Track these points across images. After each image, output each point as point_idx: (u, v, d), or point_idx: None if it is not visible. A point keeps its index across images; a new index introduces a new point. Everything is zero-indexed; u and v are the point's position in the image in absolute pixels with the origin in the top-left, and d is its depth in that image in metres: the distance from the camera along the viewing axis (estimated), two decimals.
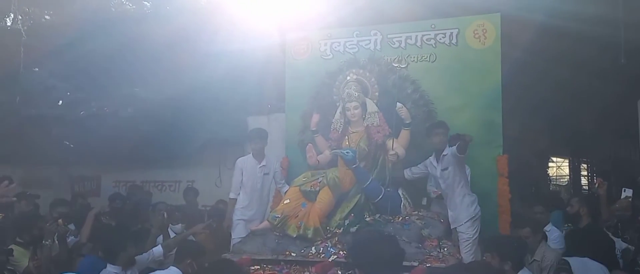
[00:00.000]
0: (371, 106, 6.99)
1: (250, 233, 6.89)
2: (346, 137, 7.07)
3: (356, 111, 7.00)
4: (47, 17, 12.82)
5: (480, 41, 7.55)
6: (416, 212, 6.77)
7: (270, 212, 6.88)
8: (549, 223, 6.47)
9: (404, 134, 6.94)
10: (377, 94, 7.12)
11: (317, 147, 7.21)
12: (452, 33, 7.67)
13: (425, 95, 7.30)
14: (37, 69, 10.91)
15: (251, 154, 7.43)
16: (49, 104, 10.37)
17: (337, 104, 7.15)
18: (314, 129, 7.26)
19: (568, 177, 14.57)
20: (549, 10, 7.19)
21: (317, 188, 6.75)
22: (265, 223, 6.78)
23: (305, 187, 6.84)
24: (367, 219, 6.55)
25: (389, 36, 7.86)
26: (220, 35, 9.10)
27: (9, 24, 11.69)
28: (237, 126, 9.49)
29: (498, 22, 7.48)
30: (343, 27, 8.15)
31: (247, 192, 7.39)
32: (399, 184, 6.91)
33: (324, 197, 6.68)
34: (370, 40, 7.99)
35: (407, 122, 6.89)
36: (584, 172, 13.45)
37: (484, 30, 7.53)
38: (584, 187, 12.73)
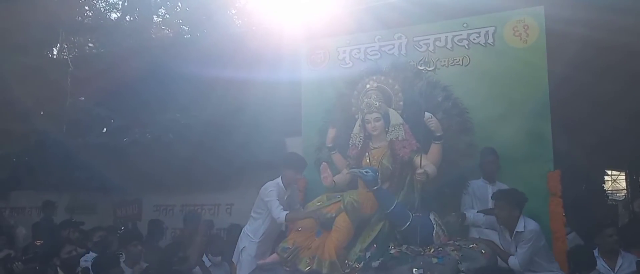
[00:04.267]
0: (395, 117, 5.60)
1: (257, 267, 5.60)
2: (367, 154, 5.67)
3: (377, 124, 5.60)
4: (90, 44, 12.88)
5: (521, 39, 6.04)
6: (452, 241, 5.26)
7: (281, 243, 5.54)
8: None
9: (435, 148, 5.46)
10: (401, 103, 5.70)
11: (334, 166, 5.87)
12: (487, 31, 6.18)
13: (458, 103, 5.80)
14: (82, 98, 10.82)
15: (280, 179, 5.93)
16: (93, 132, 10.18)
17: (356, 116, 5.79)
18: (330, 145, 5.97)
19: (625, 191, 12.35)
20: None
21: (333, 214, 5.31)
22: (274, 256, 5.47)
23: (320, 213, 5.41)
24: (392, 251, 5.09)
25: (415, 39, 6.50)
26: (255, 56, 8.27)
27: (55, 53, 11.66)
28: (275, 148, 8.52)
29: (542, 17, 5.98)
30: (363, 32, 6.79)
31: (266, 223, 5.94)
32: (431, 208, 5.43)
33: (341, 225, 5.23)
34: (393, 44, 6.62)
35: (438, 134, 5.44)
36: None
37: (526, 27, 6.01)
38: None
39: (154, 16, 13.57)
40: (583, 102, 6.74)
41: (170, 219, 9.59)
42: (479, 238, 5.38)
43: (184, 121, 9.19)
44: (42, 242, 7.40)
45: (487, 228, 5.41)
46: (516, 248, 5.05)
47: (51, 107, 10.35)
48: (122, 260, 5.99)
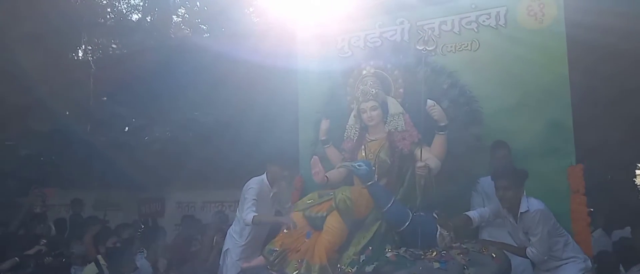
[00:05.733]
0: (394, 106, 4.81)
1: (241, 271, 4.94)
2: (363, 147, 4.89)
3: (374, 113, 4.83)
4: (113, 46, 12.79)
5: (536, 19, 5.14)
6: (458, 243, 4.38)
7: (268, 244, 4.74)
8: None
9: (439, 140, 4.63)
10: (402, 90, 4.91)
11: (328, 161, 5.09)
12: (498, 12, 5.30)
13: (466, 91, 4.96)
14: (105, 98, 10.74)
15: (265, 175, 5.28)
16: (116, 130, 10.19)
17: (352, 106, 5.00)
18: (323, 138, 5.22)
19: None
20: None
21: (325, 213, 4.51)
22: (260, 259, 4.70)
23: (310, 212, 4.66)
24: (388, 254, 4.25)
25: (418, 23, 5.65)
26: (271, 52, 7.53)
27: (80, 55, 11.62)
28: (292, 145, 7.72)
29: None
30: (363, 18, 5.97)
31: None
32: (434, 206, 4.57)
33: (333, 225, 4.43)
34: (395, 30, 5.78)
35: (442, 124, 4.60)
36: None
37: (541, 5, 5.11)
38: None
39: (174, 16, 13.17)
40: (608, 88, 5.73)
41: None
42: (490, 240, 4.42)
43: (203, 119, 9.06)
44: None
45: (496, 218, 4.45)
46: (525, 233, 4.18)
47: (75, 108, 10.22)
48: (144, 256, 5.90)
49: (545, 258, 4.13)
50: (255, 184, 5.04)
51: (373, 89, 4.77)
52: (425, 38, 4.99)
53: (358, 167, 4.42)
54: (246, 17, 11.75)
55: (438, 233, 4.39)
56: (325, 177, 4.72)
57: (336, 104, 5.23)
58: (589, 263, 4.22)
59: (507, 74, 5.19)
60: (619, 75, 5.69)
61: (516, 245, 4.34)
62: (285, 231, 4.64)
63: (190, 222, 8.47)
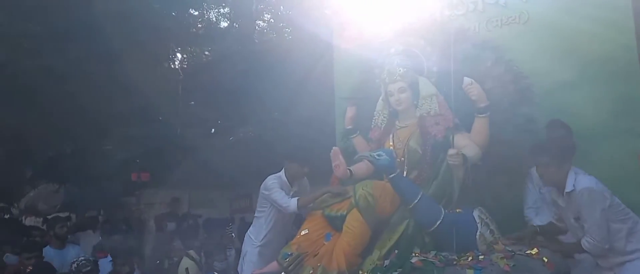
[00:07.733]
0: (426, 87, 3.83)
1: None
2: (391, 135, 3.94)
3: (402, 96, 3.86)
4: (206, 53, 12.46)
5: None
6: (502, 246, 3.33)
7: (283, 247, 3.84)
8: None
9: (479, 124, 3.60)
10: (435, 69, 3.93)
11: (356, 152, 4.08)
12: None
13: (513, 67, 3.88)
14: (193, 103, 10.68)
15: (283, 172, 4.32)
16: (203, 133, 9.94)
17: (380, 89, 4.05)
18: (349, 127, 4.32)
19: None
20: None
21: (345, 212, 3.58)
22: (273, 265, 3.78)
23: (329, 211, 3.75)
24: (414, 259, 3.27)
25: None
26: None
27: (177, 64, 11.59)
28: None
29: None
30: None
31: (269, 223, 4.25)
32: (474, 202, 3.58)
33: (353, 226, 3.51)
34: (433, 9, 4.70)
35: (482, 105, 3.58)
36: None
37: None
38: None
39: (260, 21, 12.80)
40: None
41: None
42: (543, 240, 3.29)
43: (282, 118, 8.78)
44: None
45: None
46: (576, 219, 3.07)
47: (167, 113, 10.10)
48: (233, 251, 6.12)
49: (606, 246, 2.95)
50: (276, 180, 4.19)
51: (400, 68, 3.83)
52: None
53: (377, 157, 3.50)
54: (326, 18, 11.20)
55: (478, 233, 3.35)
56: (348, 171, 3.80)
57: (366, 90, 4.32)
58: None
59: (562, 46, 4.11)
60: None
61: (573, 242, 3.17)
62: (302, 233, 3.73)
63: None
